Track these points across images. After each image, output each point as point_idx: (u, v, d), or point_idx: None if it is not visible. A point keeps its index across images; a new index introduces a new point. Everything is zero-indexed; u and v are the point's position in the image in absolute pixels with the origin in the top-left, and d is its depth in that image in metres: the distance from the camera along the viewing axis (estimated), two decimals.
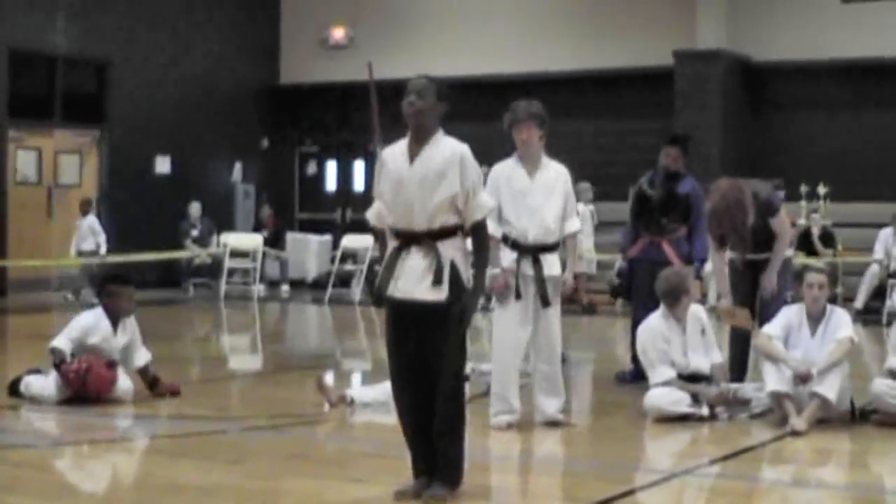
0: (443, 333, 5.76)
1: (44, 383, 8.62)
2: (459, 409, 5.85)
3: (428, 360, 5.79)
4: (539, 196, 7.81)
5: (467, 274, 5.83)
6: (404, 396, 5.90)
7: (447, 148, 5.87)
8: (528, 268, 7.77)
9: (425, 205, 5.80)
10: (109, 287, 8.89)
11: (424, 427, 5.84)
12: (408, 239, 5.85)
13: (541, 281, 7.77)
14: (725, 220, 8.65)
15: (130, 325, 8.88)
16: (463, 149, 5.87)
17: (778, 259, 8.92)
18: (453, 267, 5.79)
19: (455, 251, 5.83)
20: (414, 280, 5.79)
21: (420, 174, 5.82)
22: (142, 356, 8.90)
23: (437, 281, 5.75)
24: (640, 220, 10.02)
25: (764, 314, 8.74)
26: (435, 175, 5.80)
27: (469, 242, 5.91)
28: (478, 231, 5.89)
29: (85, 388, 8.48)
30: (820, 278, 8.15)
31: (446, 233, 5.83)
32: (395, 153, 5.97)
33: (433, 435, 5.81)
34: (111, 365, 8.62)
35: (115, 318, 8.77)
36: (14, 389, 8.77)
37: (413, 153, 5.89)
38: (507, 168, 7.88)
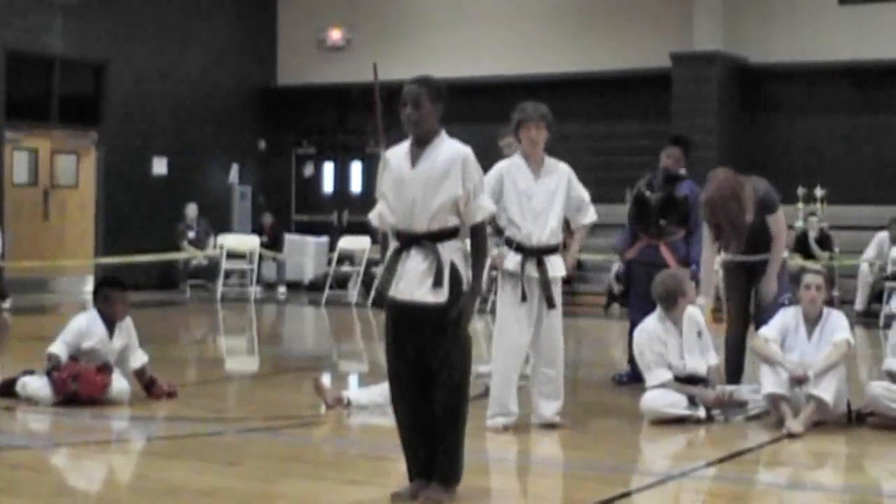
0: (443, 335, 5.76)
1: (40, 384, 8.60)
2: (462, 411, 5.84)
3: (428, 362, 5.79)
4: (543, 198, 7.80)
5: (467, 276, 5.83)
6: (403, 398, 5.89)
7: (450, 149, 5.87)
8: (532, 270, 7.76)
9: (427, 206, 5.80)
10: (105, 291, 8.88)
11: (422, 429, 5.83)
12: (408, 240, 5.86)
13: (545, 283, 7.77)
14: (720, 209, 8.61)
15: (126, 327, 8.87)
16: (466, 150, 5.87)
17: (776, 262, 8.89)
18: (453, 269, 5.79)
19: (455, 253, 5.83)
20: (414, 282, 5.78)
21: (423, 175, 5.82)
22: (138, 358, 8.89)
23: (437, 283, 5.75)
24: (639, 222, 10.02)
25: (760, 317, 8.74)
26: (438, 176, 5.80)
27: (468, 244, 5.92)
28: (477, 233, 5.89)
29: (75, 394, 8.49)
30: (817, 279, 8.15)
31: (446, 234, 5.83)
32: (397, 154, 5.97)
33: (434, 434, 5.80)
34: (104, 368, 8.61)
35: (110, 322, 8.77)
36: (9, 390, 8.76)
37: (415, 155, 5.89)
38: (513, 168, 7.85)
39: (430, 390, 5.79)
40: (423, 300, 5.75)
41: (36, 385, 8.62)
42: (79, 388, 8.47)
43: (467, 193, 5.81)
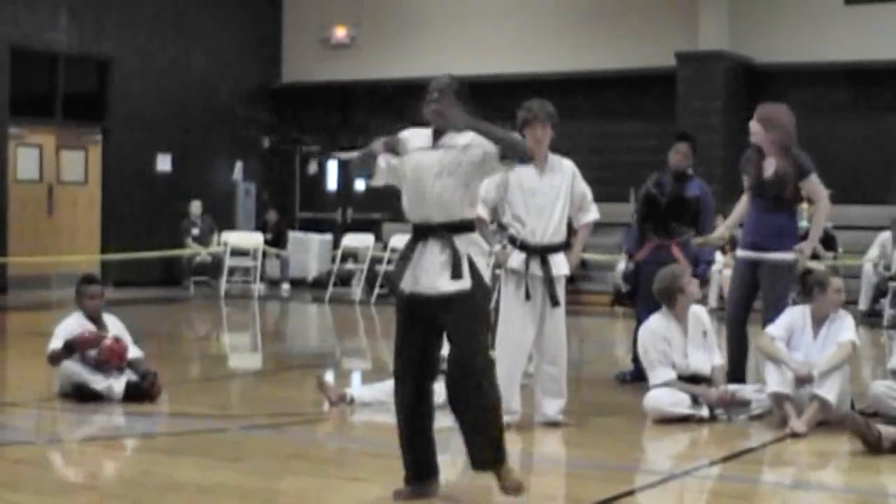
0: (471, 317, 5.71)
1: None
2: (494, 396, 5.74)
3: (455, 351, 5.72)
4: (547, 196, 7.80)
5: (483, 269, 5.83)
6: (406, 395, 5.88)
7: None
8: (536, 268, 7.76)
9: (442, 198, 5.80)
10: (77, 288, 8.97)
11: (422, 428, 5.84)
12: (424, 232, 5.85)
13: (549, 281, 7.77)
14: (777, 121, 9.25)
15: (114, 324, 8.92)
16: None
17: (820, 226, 8.91)
18: (470, 260, 5.78)
19: (471, 246, 5.82)
20: (434, 274, 5.75)
21: (439, 167, 5.85)
22: (133, 351, 8.94)
23: (455, 276, 5.72)
24: (648, 222, 9.97)
25: (767, 316, 8.70)
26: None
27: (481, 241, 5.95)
28: None
29: (100, 352, 8.55)
30: (841, 283, 8.22)
31: (462, 227, 5.83)
32: (416, 138, 5.97)
33: (431, 435, 5.81)
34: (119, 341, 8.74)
35: (92, 317, 8.83)
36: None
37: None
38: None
39: (430, 389, 5.81)
40: (449, 290, 5.73)
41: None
42: (101, 350, 8.57)
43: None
